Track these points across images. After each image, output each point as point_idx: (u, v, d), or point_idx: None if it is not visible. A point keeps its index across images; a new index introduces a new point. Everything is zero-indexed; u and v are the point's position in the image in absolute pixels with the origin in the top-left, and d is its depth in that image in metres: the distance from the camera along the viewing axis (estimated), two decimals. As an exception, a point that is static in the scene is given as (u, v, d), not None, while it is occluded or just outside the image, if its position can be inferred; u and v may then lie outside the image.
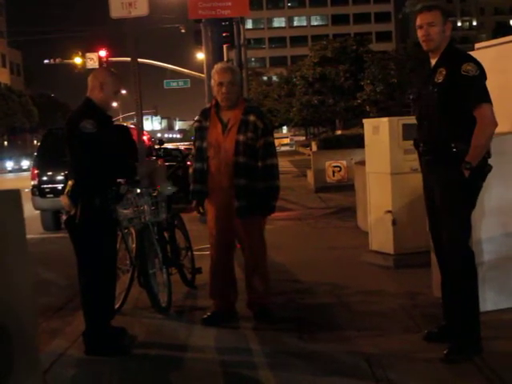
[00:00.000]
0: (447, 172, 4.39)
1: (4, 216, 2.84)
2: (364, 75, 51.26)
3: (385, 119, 7.46)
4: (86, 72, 28.81)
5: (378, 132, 7.42)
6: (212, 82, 5.57)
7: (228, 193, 5.39)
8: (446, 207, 4.45)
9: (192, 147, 5.94)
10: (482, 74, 4.36)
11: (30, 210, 12.03)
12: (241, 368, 4.60)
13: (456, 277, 4.48)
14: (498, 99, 4.56)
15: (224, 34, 12.80)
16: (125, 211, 5.53)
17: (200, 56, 26.46)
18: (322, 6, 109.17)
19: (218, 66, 5.60)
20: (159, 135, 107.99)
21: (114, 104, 5.91)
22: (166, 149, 19.61)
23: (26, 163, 55.41)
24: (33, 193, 12.96)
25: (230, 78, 5.43)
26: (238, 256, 5.86)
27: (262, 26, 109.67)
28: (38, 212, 13.23)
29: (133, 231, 6.07)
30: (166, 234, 6.42)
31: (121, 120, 51.38)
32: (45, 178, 13.00)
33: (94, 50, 31.69)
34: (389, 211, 7.29)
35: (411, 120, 5.70)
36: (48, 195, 12.79)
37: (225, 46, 13.06)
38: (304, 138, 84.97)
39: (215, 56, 11.73)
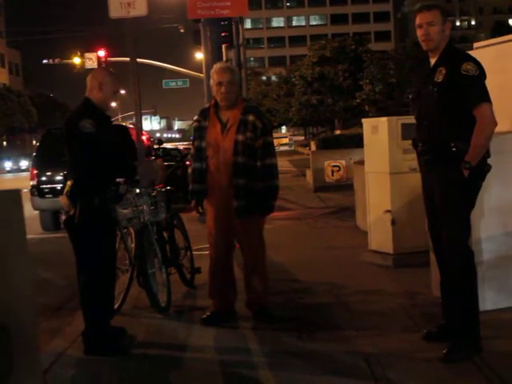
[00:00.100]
0: (447, 171, 4.39)
1: (5, 216, 2.84)
2: (363, 75, 51.24)
3: (384, 119, 7.47)
4: (84, 72, 28.81)
5: (377, 132, 7.42)
6: (211, 81, 5.57)
7: (227, 192, 5.39)
8: (445, 207, 4.46)
9: (191, 147, 5.94)
10: (481, 74, 4.36)
11: (29, 211, 12.01)
12: (240, 368, 4.60)
13: (455, 276, 4.48)
14: (497, 99, 4.56)
15: (223, 34, 12.79)
16: (124, 211, 5.53)
17: (199, 56, 26.45)
18: (320, 6, 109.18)
19: (216, 66, 5.60)
20: (158, 135, 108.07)
21: (113, 104, 5.92)
22: (164, 148, 19.61)
23: (24, 163, 55.40)
24: (32, 193, 12.96)
25: (229, 77, 5.43)
26: (237, 256, 5.86)
27: (260, 26, 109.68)
28: (37, 212, 13.22)
29: (132, 231, 6.07)
30: (165, 234, 6.42)
31: (120, 120, 51.37)
32: (44, 178, 12.99)
33: (93, 49, 31.69)
34: (388, 211, 7.29)
35: (410, 120, 5.71)
36: (47, 195, 12.79)
37: (224, 46, 13.06)
38: (303, 137, 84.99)
39: (214, 56, 11.72)
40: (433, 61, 4.56)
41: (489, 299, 5.17)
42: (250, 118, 5.39)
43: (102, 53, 30.86)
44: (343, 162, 17.68)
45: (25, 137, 76.49)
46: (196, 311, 5.95)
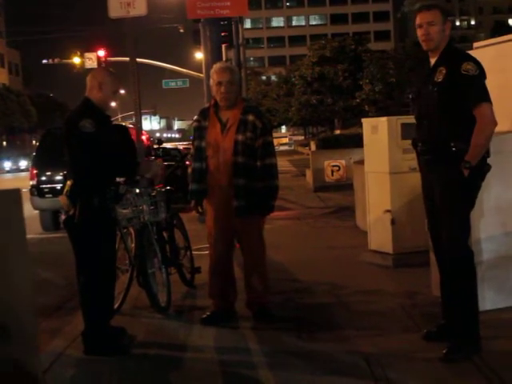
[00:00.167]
0: (447, 171, 4.39)
1: (5, 216, 2.84)
2: (363, 75, 51.26)
3: (383, 119, 7.47)
4: (84, 72, 28.82)
5: (377, 131, 7.42)
6: (211, 81, 5.57)
7: (227, 192, 5.39)
8: (445, 207, 4.46)
9: (191, 147, 5.94)
10: (481, 74, 4.36)
11: (28, 210, 12.01)
12: (240, 367, 4.60)
13: (455, 276, 4.48)
14: (497, 98, 4.56)
15: (223, 34, 12.79)
16: (124, 211, 5.53)
17: (199, 56, 26.43)
18: (320, 6, 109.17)
19: (216, 66, 5.60)
20: (158, 135, 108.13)
21: (113, 104, 5.92)
22: (164, 148, 19.62)
23: (23, 163, 55.44)
24: (31, 193, 12.96)
25: (229, 77, 5.43)
26: (237, 255, 5.86)
27: (260, 26, 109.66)
28: (36, 212, 13.22)
29: (132, 231, 6.07)
30: (165, 234, 6.42)
31: (119, 120, 51.36)
32: (44, 178, 12.99)
33: (93, 49, 31.69)
34: (388, 210, 7.29)
35: (410, 119, 5.72)
36: (47, 195, 12.79)
37: (223, 46, 13.05)
38: (303, 137, 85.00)
39: (214, 56, 11.72)
40: (433, 61, 4.56)
41: (488, 299, 5.17)
42: (250, 117, 5.39)
43: (101, 53, 30.86)
44: (343, 161, 17.68)
45: (24, 137, 76.48)
46: (196, 311, 5.95)
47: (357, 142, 15.57)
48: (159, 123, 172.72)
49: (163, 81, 35.08)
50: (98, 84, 5.05)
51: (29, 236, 3.01)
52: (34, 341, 2.94)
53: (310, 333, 5.14)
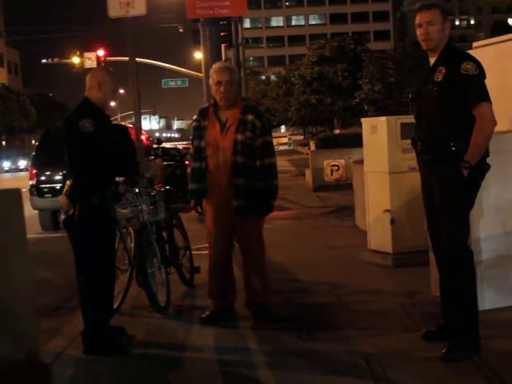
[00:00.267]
0: (446, 171, 4.39)
1: (5, 216, 2.84)
2: (362, 74, 51.30)
3: (383, 118, 7.47)
4: (84, 71, 28.83)
5: (376, 131, 7.42)
6: (210, 81, 5.56)
7: (226, 192, 5.39)
8: (444, 206, 4.46)
9: (190, 146, 5.93)
10: (481, 73, 4.36)
11: (28, 210, 12.01)
12: (240, 367, 4.60)
13: (454, 276, 4.48)
14: (497, 98, 4.56)
15: (222, 34, 12.81)
16: (123, 211, 5.53)
17: (198, 55, 26.44)
18: (319, 5, 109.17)
19: (216, 65, 5.60)
20: (157, 134, 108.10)
21: (113, 103, 5.91)
22: (164, 148, 19.63)
23: (23, 163, 55.49)
24: (31, 192, 12.96)
25: (228, 77, 5.43)
26: (236, 255, 5.86)
27: (259, 26, 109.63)
28: (36, 212, 13.22)
29: (131, 231, 6.07)
30: (164, 234, 6.42)
31: (119, 119, 51.37)
32: (43, 178, 12.99)
33: (92, 49, 31.69)
34: (387, 210, 7.29)
35: (409, 119, 5.71)
36: (46, 195, 12.79)
37: (223, 46, 13.09)
38: (302, 137, 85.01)
39: (213, 55, 11.72)
40: (432, 60, 4.56)
41: (488, 299, 5.17)
42: (249, 117, 5.39)
43: (101, 52, 30.85)
44: (342, 161, 17.68)
45: (24, 136, 76.45)
46: (195, 311, 5.95)
47: (356, 141, 15.57)
48: (158, 123, 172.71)
49: (162, 80, 35.10)
50: (98, 84, 5.05)
51: (28, 236, 3.00)
52: (34, 341, 2.94)
53: (310, 332, 5.14)
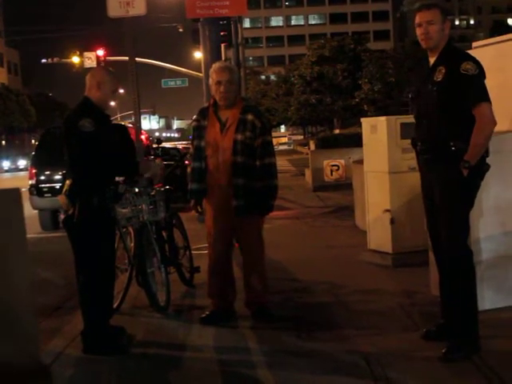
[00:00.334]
0: (446, 171, 4.39)
1: (4, 216, 2.83)
2: (362, 74, 51.30)
3: (383, 118, 7.47)
4: (83, 71, 28.83)
5: (376, 131, 7.43)
6: (210, 80, 5.57)
7: (226, 192, 5.39)
8: (444, 206, 4.46)
9: (190, 146, 5.94)
10: (481, 73, 4.36)
11: (27, 210, 12.00)
12: (239, 367, 4.60)
13: (454, 276, 4.48)
14: (496, 98, 4.56)
15: (222, 33, 12.79)
16: (123, 210, 5.53)
17: (198, 55, 26.43)
18: (319, 5, 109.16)
19: (216, 65, 5.60)
20: (157, 134, 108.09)
21: (112, 103, 5.91)
22: (163, 148, 19.59)
23: (22, 163, 55.50)
24: (31, 192, 12.96)
25: (228, 76, 5.43)
26: (236, 255, 5.86)
27: (259, 25, 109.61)
28: (35, 211, 13.22)
29: (131, 230, 6.07)
30: (164, 233, 6.43)
31: (119, 119, 51.37)
32: (43, 178, 12.99)
33: (92, 49, 31.69)
34: (387, 210, 7.29)
35: (409, 119, 5.71)
36: (46, 194, 12.79)
37: (223, 45, 13.07)
38: (302, 136, 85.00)
39: (213, 55, 11.73)
40: (432, 60, 4.56)
41: (487, 299, 5.18)
42: (249, 117, 5.39)
43: (100, 52, 30.85)
44: (342, 161, 17.68)
45: (23, 136, 76.44)
46: (195, 310, 5.95)
47: (356, 141, 15.60)
48: (158, 123, 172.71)
49: (162, 80, 35.09)
50: (97, 83, 5.05)
51: (28, 235, 3.00)
52: (34, 341, 2.94)
53: (310, 332, 5.14)
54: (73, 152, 4.94)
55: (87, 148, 4.83)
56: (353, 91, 51.73)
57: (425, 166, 4.63)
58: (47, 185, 12.82)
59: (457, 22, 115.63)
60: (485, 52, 5.91)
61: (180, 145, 30.92)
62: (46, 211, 13.19)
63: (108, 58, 31.05)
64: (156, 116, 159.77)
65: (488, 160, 4.44)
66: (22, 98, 68.10)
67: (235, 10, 11.67)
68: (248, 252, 5.57)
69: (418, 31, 4.53)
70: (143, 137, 13.45)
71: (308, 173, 20.08)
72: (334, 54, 53.99)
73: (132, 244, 6.07)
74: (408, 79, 42.11)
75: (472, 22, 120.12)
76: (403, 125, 7.08)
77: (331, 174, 17.74)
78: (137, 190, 5.69)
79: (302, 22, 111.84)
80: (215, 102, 5.50)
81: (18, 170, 53.97)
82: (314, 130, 76.48)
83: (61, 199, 4.97)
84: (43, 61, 39.54)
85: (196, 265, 6.87)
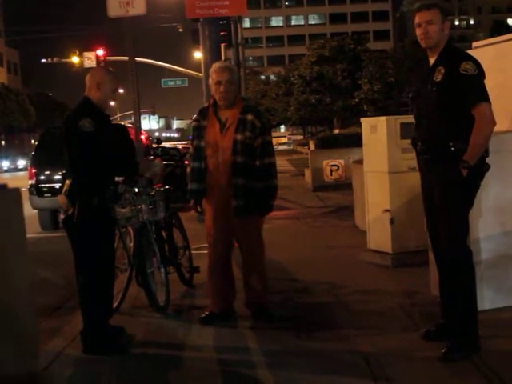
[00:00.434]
0: (446, 171, 4.39)
1: (4, 216, 2.84)
2: (362, 74, 51.30)
3: (382, 118, 7.47)
4: (83, 71, 28.81)
5: (376, 131, 7.43)
6: (210, 80, 5.57)
7: (226, 192, 5.39)
8: (444, 206, 4.46)
9: (189, 146, 5.94)
10: (480, 73, 4.36)
11: (27, 210, 11.99)
12: (239, 367, 4.60)
13: (454, 276, 4.49)
14: (496, 98, 4.57)
15: (221, 33, 12.79)
16: (123, 210, 5.52)
17: (198, 55, 26.45)
18: (319, 5, 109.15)
19: (215, 65, 5.60)
20: (157, 134, 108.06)
21: (112, 103, 5.91)
22: (163, 148, 19.58)
23: (22, 162, 55.46)
24: (30, 192, 12.95)
25: (228, 76, 5.43)
26: (235, 255, 5.86)
27: (259, 25, 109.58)
28: (35, 211, 13.21)
29: (131, 230, 6.07)
30: (163, 233, 6.42)
31: (118, 119, 51.36)
32: (42, 178, 12.98)
33: (92, 49, 31.68)
34: (387, 210, 7.29)
35: (409, 119, 5.72)
36: (46, 194, 12.79)
37: (222, 45, 13.05)
38: (302, 136, 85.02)
39: (213, 55, 11.73)
40: (432, 60, 4.56)
41: (487, 298, 5.18)
42: (249, 117, 5.39)
43: (100, 52, 30.83)
44: (342, 161, 17.68)
45: (23, 136, 76.41)
46: (195, 310, 5.95)
47: (356, 141, 15.57)
48: (158, 122, 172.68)
49: (162, 80, 35.08)
50: (97, 83, 5.05)
51: (28, 235, 3.00)
52: (34, 341, 2.94)
53: (309, 332, 5.14)
54: (73, 152, 4.94)
55: (87, 148, 4.83)
56: (352, 91, 51.73)
57: (425, 166, 4.63)
58: (47, 185, 12.82)
59: (457, 22, 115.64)
60: (485, 52, 5.91)
61: (180, 145, 30.92)
62: (46, 211, 13.19)
63: (108, 57, 31.04)
64: (156, 116, 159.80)
65: (488, 160, 4.44)
66: (22, 97, 68.08)
67: (235, 9, 11.68)
68: (248, 252, 5.57)
69: (418, 31, 4.53)
70: (143, 137, 13.45)
71: (308, 173, 20.08)
72: (334, 54, 53.97)
73: (132, 244, 6.07)
74: (408, 79, 42.09)
75: (472, 22, 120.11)
76: (403, 125, 7.08)
77: (331, 174, 17.74)
78: (136, 189, 5.69)
79: (302, 22, 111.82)
80: (215, 102, 5.50)
81: (17, 169, 53.94)
82: (314, 130, 76.49)
83: (60, 199, 4.97)
84: (43, 61, 39.53)
85: (196, 265, 6.87)
